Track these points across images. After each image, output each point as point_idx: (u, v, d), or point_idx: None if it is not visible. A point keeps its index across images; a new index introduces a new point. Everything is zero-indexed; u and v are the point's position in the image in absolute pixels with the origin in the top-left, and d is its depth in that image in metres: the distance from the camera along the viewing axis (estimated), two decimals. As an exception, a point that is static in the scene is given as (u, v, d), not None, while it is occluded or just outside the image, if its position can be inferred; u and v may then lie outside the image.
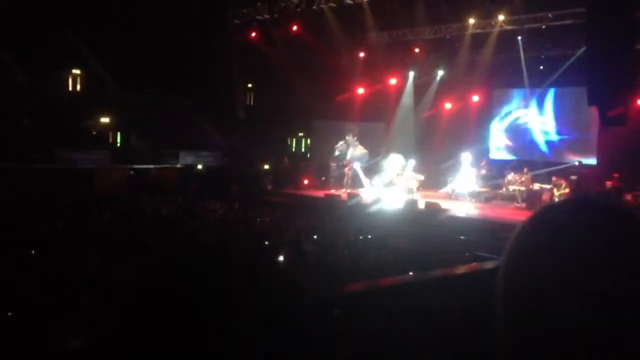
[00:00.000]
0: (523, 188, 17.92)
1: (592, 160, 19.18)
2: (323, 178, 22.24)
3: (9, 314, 4.16)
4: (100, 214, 12.24)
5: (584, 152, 19.53)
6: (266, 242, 9.54)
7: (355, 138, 21.29)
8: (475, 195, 18.78)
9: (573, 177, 17.55)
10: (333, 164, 22.01)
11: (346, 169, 21.22)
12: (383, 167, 20.80)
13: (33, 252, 7.59)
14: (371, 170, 21.63)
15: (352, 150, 21.31)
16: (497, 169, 20.02)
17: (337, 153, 21.38)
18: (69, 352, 1.70)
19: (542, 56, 19.95)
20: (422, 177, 19.70)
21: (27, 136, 19.32)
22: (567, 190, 16.63)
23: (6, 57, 19.45)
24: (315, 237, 10.46)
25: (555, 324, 0.75)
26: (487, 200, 18.73)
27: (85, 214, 12.34)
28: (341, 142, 21.36)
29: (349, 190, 19.53)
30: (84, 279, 5.46)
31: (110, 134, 23.55)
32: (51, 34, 19.46)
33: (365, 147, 21.94)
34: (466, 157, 19.39)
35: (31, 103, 20.01)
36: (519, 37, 19.56)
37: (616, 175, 16.99)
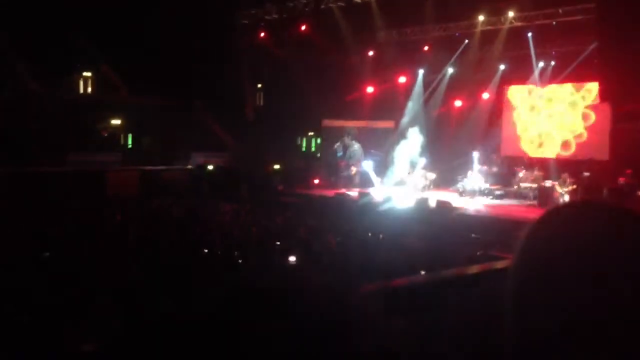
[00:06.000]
0: (535, 185, 17.83)
1: (604, 157, 19.02)
2: (333, 178, 22.22)
3: (24, 316, 4.20)
4: (113, 216, 12.31)
5: (596, 149, 19.37)
6: (277, 243, 9.56)
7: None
8: (487, 193, 18.71)
9: (585, 174, 17.43)
10: (343, 164, 21.99)
11: (352, 169, 21.22)
12: (394, 162, 20.73)
13: (47, 254, 7.65)
14: (382, 169, 21.60)
15: (350, 151, 21.26)
16: (509, 166, 19.93)
17: (339, 154, 21.40)
18: (82, 355, 1.71)
19: (553, 52, 19.82)
20: (433, 175, 19.65)
21: (39, 139, 19.48)
22: (572, 187, 16.52)
23: (17, 61, 19.62)
24: (326, 236, 10.46)
25: (564, 324, 0.75)
26: (499, 198, 18.65)
27: (98, 216, 12.42)
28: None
29: (359, 190, 19.50)
30: (98, 281, 5.50)
31: (122, 136, 23.69)
32: (62, 37, 19.61)
33: (375, 146, 21.91)
34: (477, 155, 19.32)
35: (43, 107, 20.17)
36: (529, 34, 19.43)
37: (629, 171, 16.84)
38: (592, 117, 19.72)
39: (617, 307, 0.73)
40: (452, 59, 21.82)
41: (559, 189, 16.68)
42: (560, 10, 17.97)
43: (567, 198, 16.20)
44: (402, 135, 21.80)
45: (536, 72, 20.26)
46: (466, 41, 20.93)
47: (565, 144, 20.52)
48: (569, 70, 19.38)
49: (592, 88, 19.38)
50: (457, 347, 2.02)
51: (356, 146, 21.21)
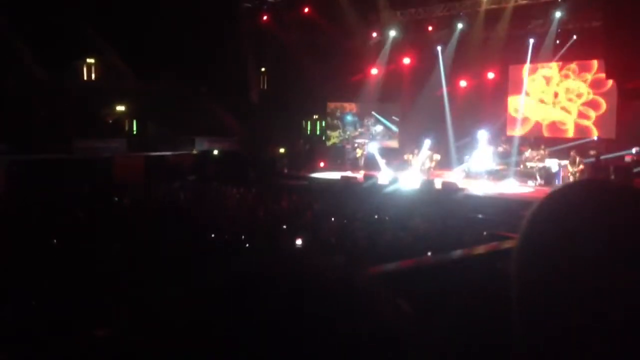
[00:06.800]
0: (541, 165, 17.75)
1: (611, 135, 18.91)
2: (339, 160, 22.23)
3: (33, 303, 4.25)
4: (120, 202, 12.37)
5: (603, 127, 19.26)
6: (284, 226, 9.59)
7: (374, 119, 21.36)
8: (493, 173, 18.64)
9: (592, 152, 17.35)
10: (348, 146, 22.04)
11: (358, 151, 21.24)
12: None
13: (55, 241, 7.70)
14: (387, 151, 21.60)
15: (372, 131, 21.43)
16: (514, 146, 19.83)
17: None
18: (91, 341, 1.72)
19: (559, 30, 19.61)
20: (438, 156, 19.59)
21: (45, 126, 19.52)
22: (581, 166, 16.43)
23: (22, 47, 19.60)
24: (332, 219, 10.49)
25: (570, 304, 0.75)
26: (505, 178, 18.58)
27: (105, 202, 12.48)
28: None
29: (364, 172, 19.50)
30: (106, 268, 5.54)
31: (126, 122, 23.70)
32: (65, 23, 19.56)
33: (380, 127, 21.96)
34: (482, 135, 19.24)
35: (47, 93, 20.18)
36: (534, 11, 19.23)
37: (636, 149, 16.76)
38: (598, 95, 19.56)
39: (622, 285, 0.73)
40: (457, 39, 21.62)
41: (570, 168, 16.58)
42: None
43: (577, 177, 16.12)
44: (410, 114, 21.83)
45: (541, 51, 20.08)
46: (470, 20, 20.70)
47: (571, 123, 20.39)
48: (574, 48, 19.21)
49: (596, 66, 19.22)
50: (463, 327, 2.03)
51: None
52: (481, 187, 16.99)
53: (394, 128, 23.53)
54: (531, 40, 20.08)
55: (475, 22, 20.47)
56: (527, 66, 21.15)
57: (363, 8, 21.04)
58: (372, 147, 21.60)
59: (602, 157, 17.02)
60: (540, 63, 20.63)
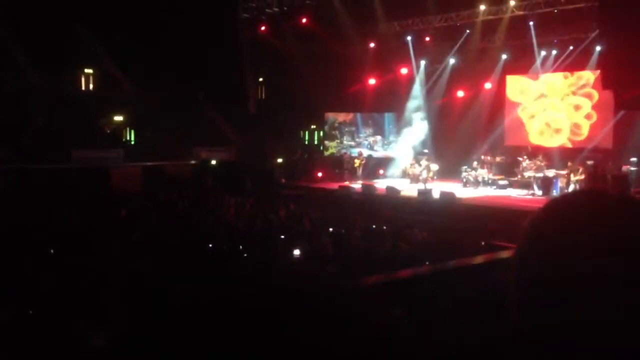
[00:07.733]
0: (538, 174, 17.77)
1: (608, 145, 18.93)
2: (337, 170, 22.24)
3: (30, 312, 4.23)
4: (118, 212, 12.34)
5: (600, 136, 19.28)
6: (282, 236, 9.57)
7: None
8: (490, 183, 18.66)
9: (589, 162, 17.36)
10: (346, 156, 22.08)
11: (356, 161, 21.26)
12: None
13: (52, 251, 7.68)
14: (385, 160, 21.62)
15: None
16: (512, 156, 19.86)
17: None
18: (89, 349, 1.72)
19: (555, 41, 19.70)
20: (436, 166, 19.62)
21: (43, 136, 19.51)
22: (583, 175, 16.44)
23: (21, 57, 19.64)
24: (330, 229, 10.48)
25: (569, 312, 0.75)
26: (503, 187, 18.61)
27: (104, 212, 12.45)
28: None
29: (363, 182, 19.51)
30: (104, 277, 5.51)
31: (124, 131, 23.70)
32: (63, 33, 19.62)
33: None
34: (480, 145, 19.28)
35: (45, 103, 20.20)
36: (531, 23, 19.31)
37: (633, 159, 16.79)
38: (595, 105, 19.59)
39: (621, 293, 0.73)
40: (454, 49, 21.71)
41: (572, 178, 16.59)
42: (562, -1, 17.84)
43: (578, 186, 16.13)
44: (407, 124, 21.84)
45: (538, 61, 20.15)
46: (467, 31, 20.79)
47: (568, 133, 20.43)
48: (570, 59, 19.28)
49: (593, 76, 19.27)
50: (461, 337, 2.03)
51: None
52: (479, 197, 16.99)
53: (392, 138, 23.57)
54: (528, 51, 20.16)
55: (473, 33, 20.55)
56: (524, 76, 21.24)
57: (361, 18, 21.12)
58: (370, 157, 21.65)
59: (601, 166, 17.05)
60: (537, 73, 20.68)
